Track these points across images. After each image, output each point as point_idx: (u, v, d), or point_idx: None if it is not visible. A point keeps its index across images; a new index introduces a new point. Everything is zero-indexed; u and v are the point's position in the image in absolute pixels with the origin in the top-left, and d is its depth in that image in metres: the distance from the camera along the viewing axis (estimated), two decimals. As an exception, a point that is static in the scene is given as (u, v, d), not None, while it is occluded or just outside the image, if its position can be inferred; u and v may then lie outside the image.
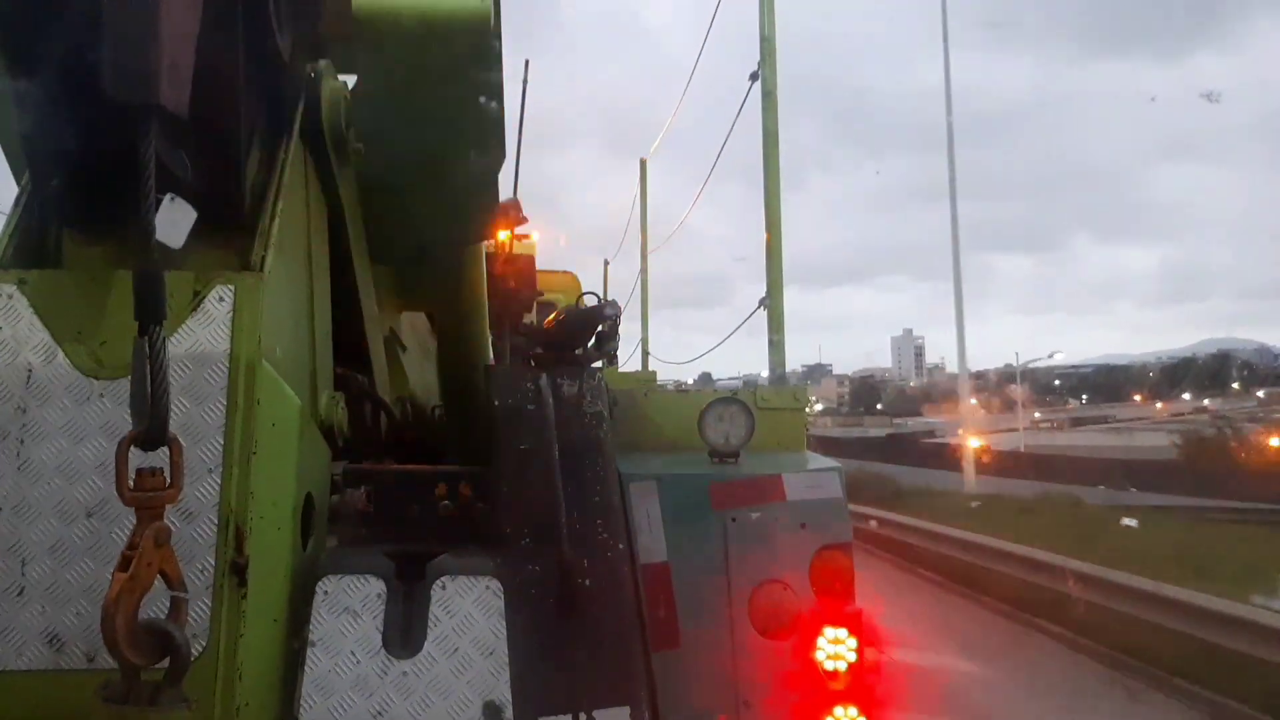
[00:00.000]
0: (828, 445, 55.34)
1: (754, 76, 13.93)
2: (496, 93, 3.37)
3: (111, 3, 1.97)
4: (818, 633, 2.86)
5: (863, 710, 2.84)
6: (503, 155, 3.67)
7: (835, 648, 2.86)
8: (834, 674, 2.84)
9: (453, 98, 3.25)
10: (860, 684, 2.87)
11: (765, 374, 14.35)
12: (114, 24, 1.97)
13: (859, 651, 2.88)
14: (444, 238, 3.88)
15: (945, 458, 42.26)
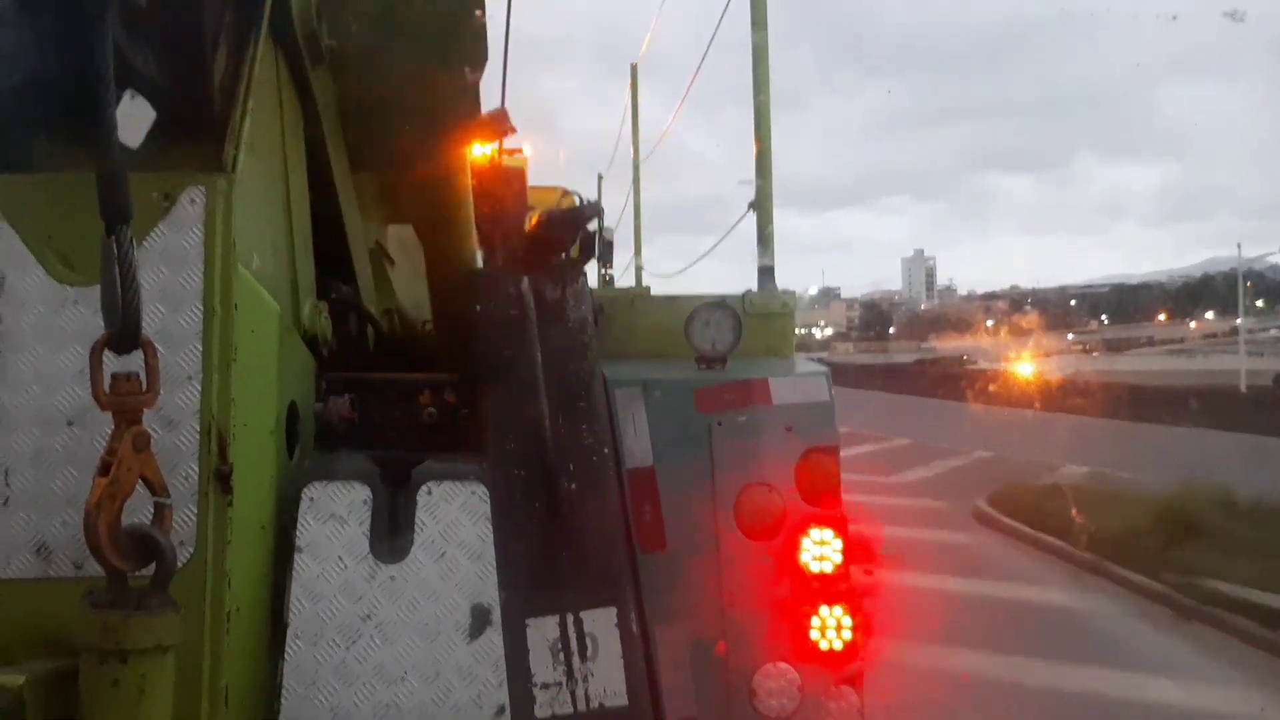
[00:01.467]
0: (852, 374, 51.65)
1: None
2: (474, 5, 3.27)
3: None
4: (803, 534, 2.88)
5: (849, 610, 2.88)
6: (483, 64, 3.58)
7: (821, 549, 2.88)
8: (819, 574, 2.87)
9: (427, 8, 3.16)
10: (846, 585, 2.90)
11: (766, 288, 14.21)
12: None
13: (844, 553, 2.90)
14: (424, 146, 3.81)
15: (998, 390, 36.58)
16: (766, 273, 12.90)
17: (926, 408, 35.57)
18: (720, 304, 3.15)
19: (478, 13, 3.33)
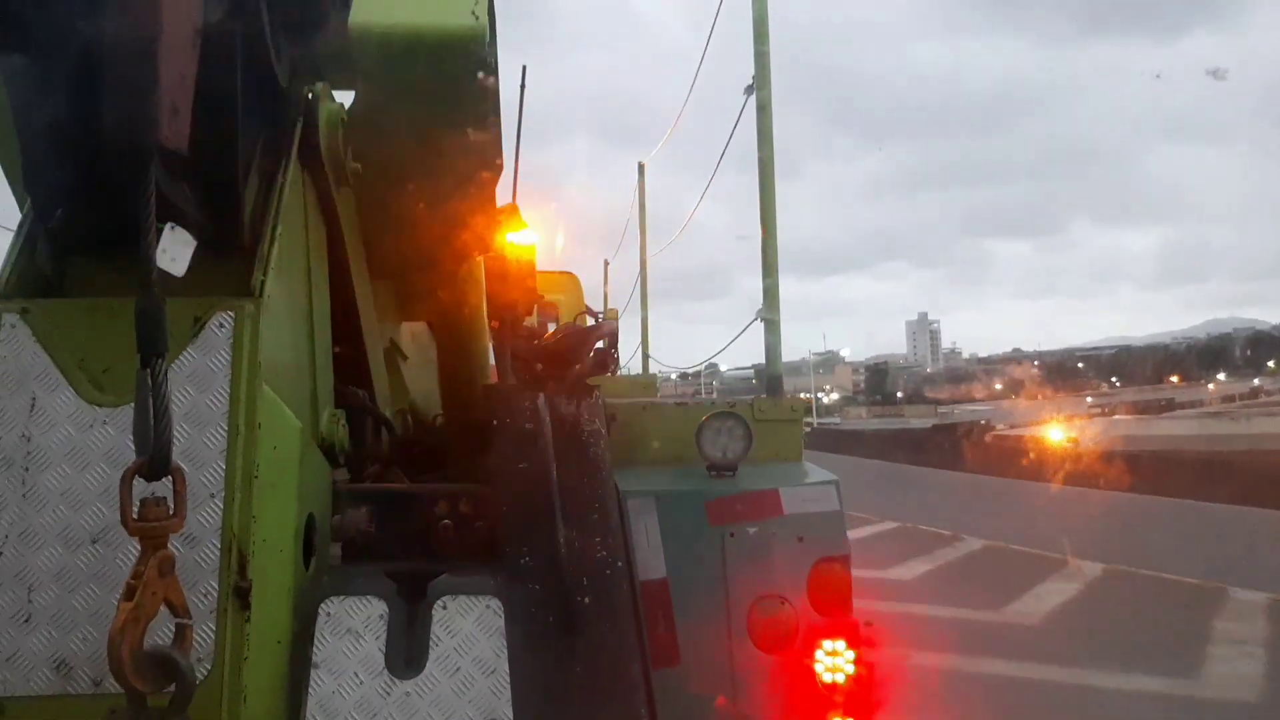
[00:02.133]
0: (870, 443, 48.04)
1: (749, 90, 13.98)
2: (492, 109, 3.38)
3: (113, 49, 1.98)
4: (816, 645, 2.89)
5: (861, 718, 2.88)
6: (500, 170, 3.69)
7: (833, 659, 2.89)
8: (832, 685, 2.87)
9: (449, 117, 3.27)
10: (858, 695, 2.90)
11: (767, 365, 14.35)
12: (115, 70, 1.99)
13: (857, 663, 2.91)
14: (442, 250, 3.90)
15: (1037, 461, 31.75)
16: (772, 326, 13.22)
17: (979, 489, 28.51)
18: (730, 413, 3.20)
19: (493, 119, 3.44)
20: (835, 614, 2.93)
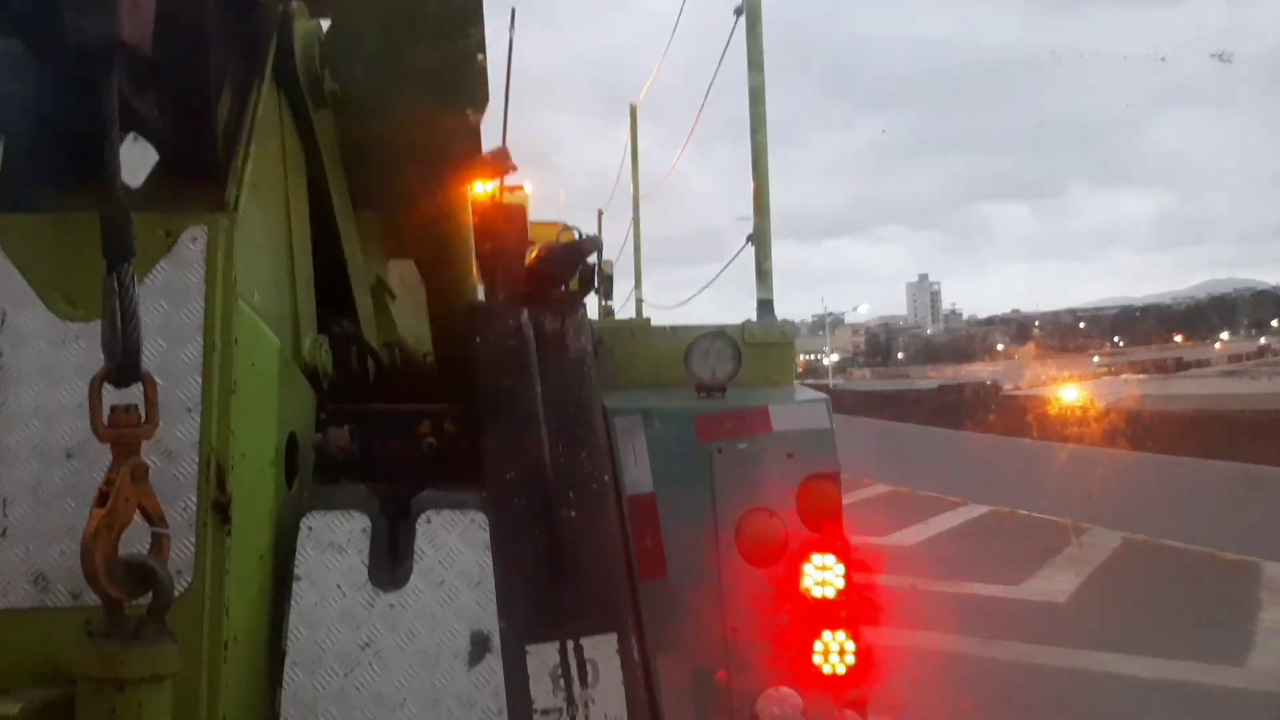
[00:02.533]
0: (876, 404, 47.06)
1: (738, 11, 13.74)
2: (476, 44, 3.32)
3: None
4: (805, 560, 2.87)
5: (851, 635, 2.86)
6: (484, 104, 3.63)
7: (823, 574, 2.87)
8: (822, 600, 2.86)
9: (430, 47, 3.21)
10: (849, 610, 2.89)
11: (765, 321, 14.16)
12: None
13: (847, 578, 2.89)
14: (426, 184, 3.85)
15: (1056, 422, 29.68)
16: (765, 306, 12.93)
17: (993, 448, 27.57)
18: (719, 334, 3.17)
19: (479, 56, 3.39)
20: (825, 529, 2.91)
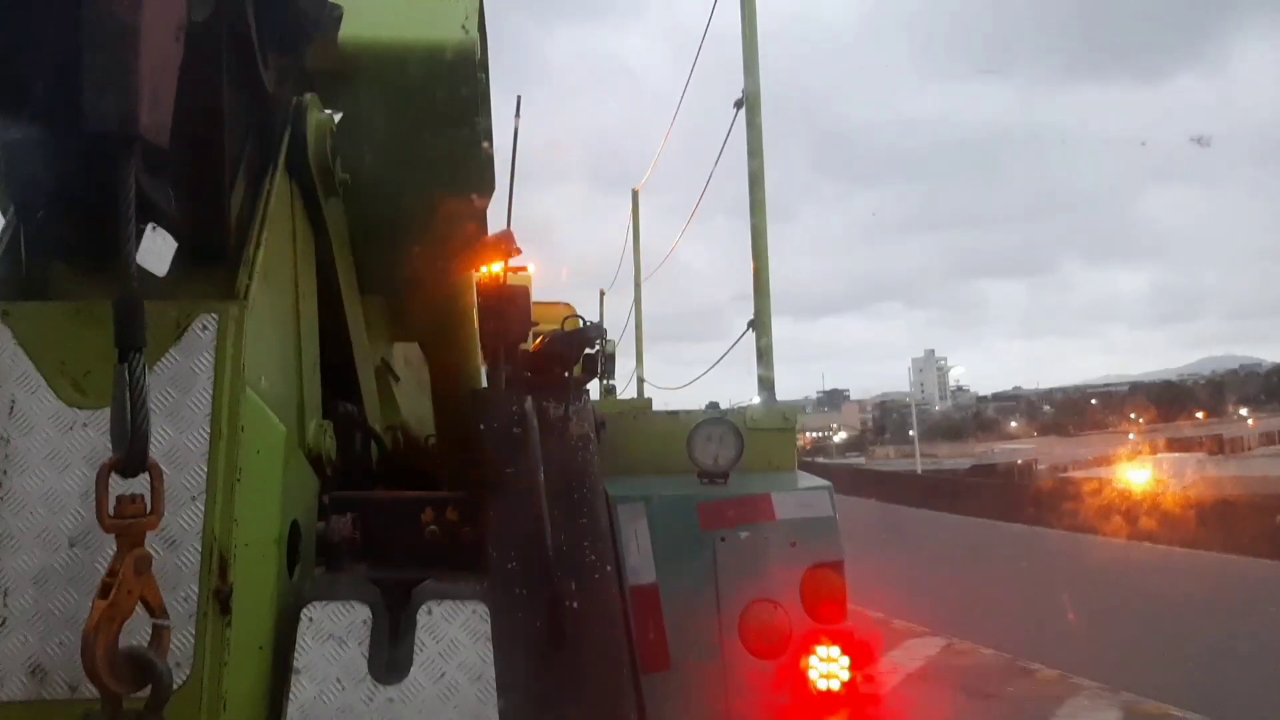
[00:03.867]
0: (917, 490, 39.47)
1: (738, 104, 14.01)
2: (483, 131, 3.40)
3: (90, 34, 1.99)
4: (809, 651, 2.84)
5: None
6: (491, 190, 3.71)
7: (828, 666, 2.84)
8: (826, 692, 2.82)
9: (439, 133, 3.29)
10: (853, 702, 2.84)
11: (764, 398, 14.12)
12: (92, 55, 1.99)
13: (851, 670, 2.86)
14: (432, 269, 3.90)
15: (1145, 515, 23.68)
16: (765, 384, 12.97)
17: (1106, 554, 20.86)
18: (721, 420, 3.18)
19: (485, 144, 3.47)
20: (829, 619, 2.88)
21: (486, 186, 3.64)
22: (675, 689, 2.78)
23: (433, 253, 3.79)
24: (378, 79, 3.27)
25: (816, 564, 2.92)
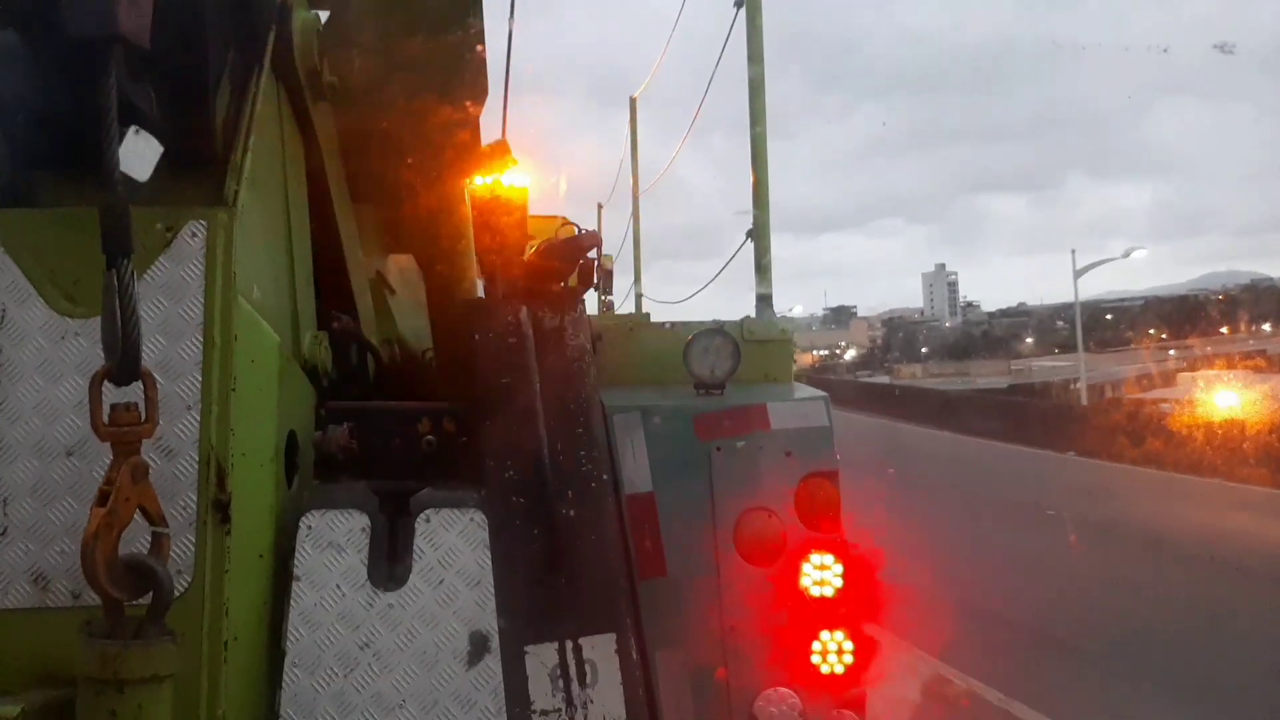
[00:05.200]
0: (968, 412, 34.46)
1: (738, 3, 13.73)
2: (476, 35, 3.31)
3: None
4: (804, 558, 2.88)
5: (850, 635, 2.87)
6: (484, 96, 3.62)
7: (821, 573, 2.88)
8: (820, 599, 2.86)
9: (429, 38, 3.20)
10: (848, 609, 2.89)
11: (775, 313, 14.12)
12: None
13: (846, 577, 2.90)
14: (424, 179, 3.84)
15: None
16: (764, 300, 12.93)
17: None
18: (718, 331, 3.16)
19: (479, 47, 3.38)
20: (823, 528, 2.91)
21: (479, 92, 3.56)
22: (671, 595, 2.82)
23: (426, 160, 3.72)
24: None
25: (811, 473, 2.94)
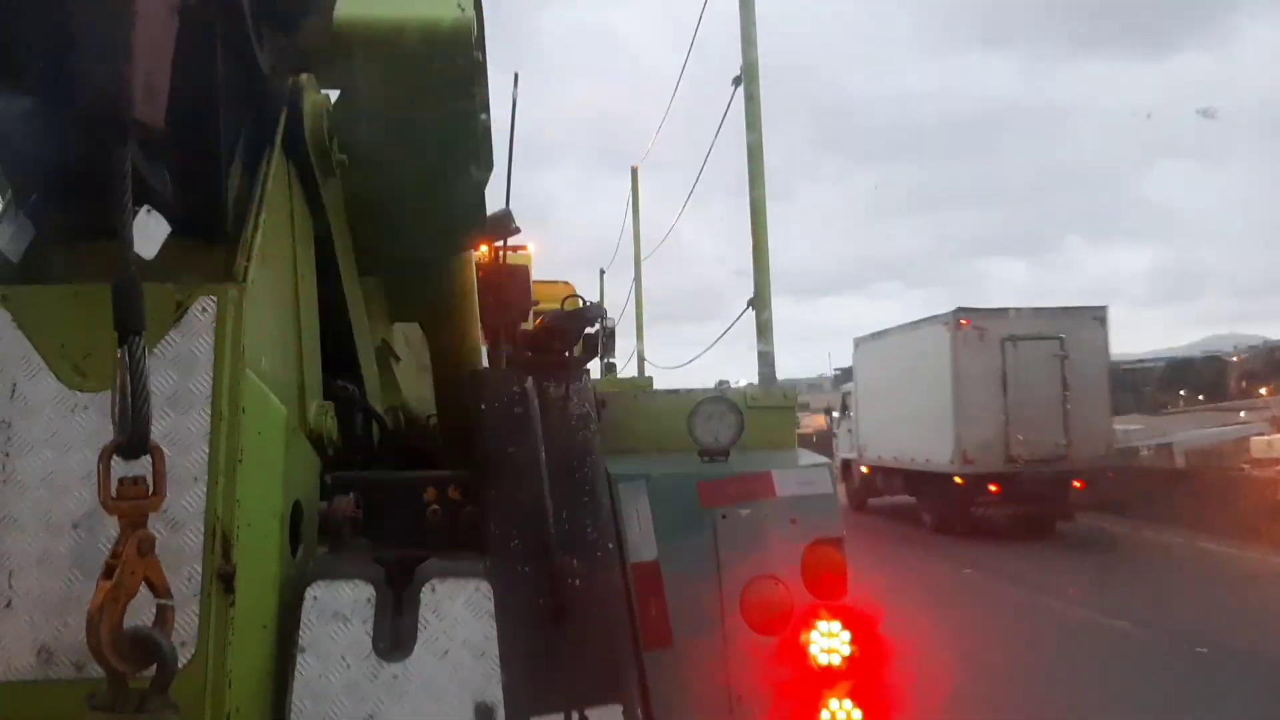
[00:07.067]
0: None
1: (736, 81, 14.02)
2: (481, 106, 3.39)
3: (83, 17, 1.98)
4: (810, 627, 2.86)
5: (858, 703, 2.84)
6: (489, 167, 3.70)
7: (829, 641, 2.86)
8: (828, 668, 2.84)
9: (436, 111, 3.28)
10: (856, 677, 2.87)
11: (779, 378, 14.13)
12: (86, 38, 1.99)
13: (853, 645, 2.88)
14: (431, 249, 3.90)
15: None
16: (766, 359, 13.00)
17: None
18: (722, 398, 3.19)
19: (483, 116, 3.46)
20: (830, 596, 2.90)
21: (485, 161, 3.63)
22: (677, 665, 2.80)
23: (432, 231, 3.78)
24: (374, 55, 3.26)
25: (817, 540, 2.94)
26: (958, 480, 19.87)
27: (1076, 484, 19.99)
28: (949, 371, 19.99)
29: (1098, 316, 20.75)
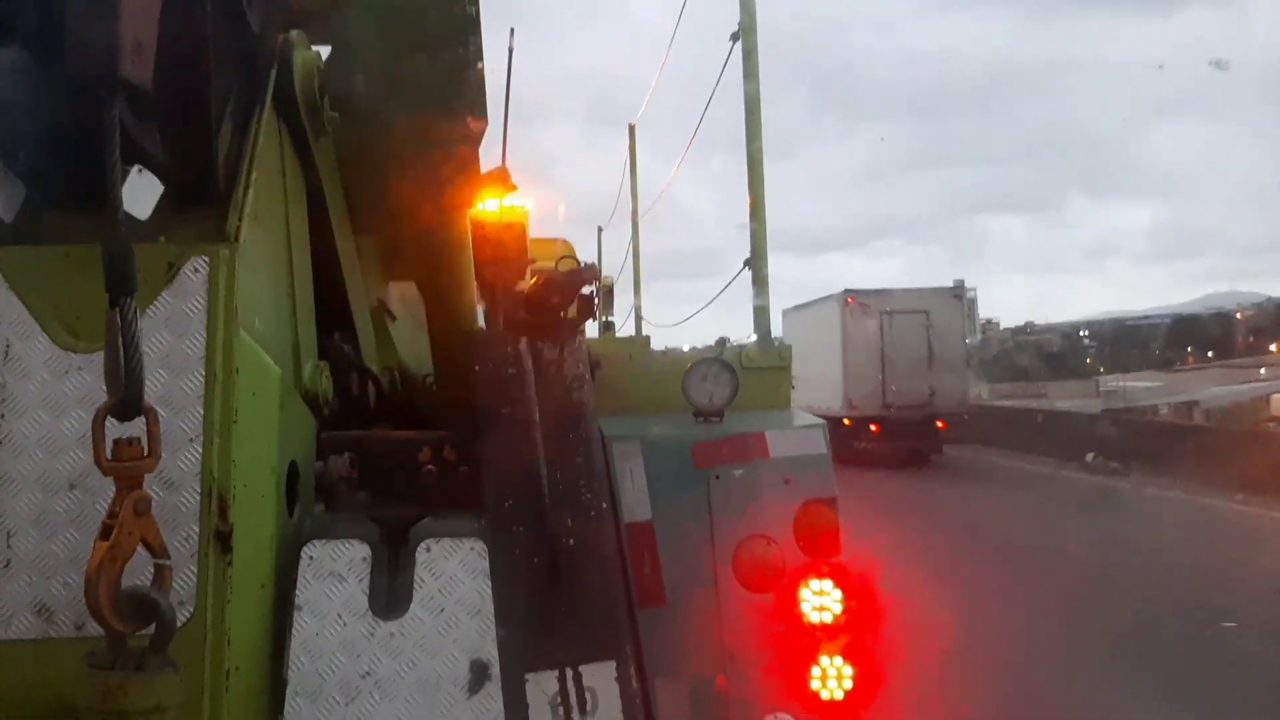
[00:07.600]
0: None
1: (734, 37, 13.84)
2: (475, 55, 3.35)
3: None
4: (803, 584, 2.89)
5: (849, 660, 2.88)
6: (483, 123, 3.66)
7: (820, 599, 2.89)
8: (819, 625, 2.87)
9: (430, 62, 3.24)
10: (848, 634, 2.90)
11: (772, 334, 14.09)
12: (75, 1, 1.97)
13: (845, 603, 2.91)
14: (425, 206, 3.87)
15: None
16: (762, 313, 12.99)
17: None
18: (717, 359, 3.19)
19: (478, 65, 3.42)
20: (822, 555, 2.93)
21: (479, 112, 3.59)
22: (671, 623, 2.83)
23: (426, 185, 3.75)
24: (367, 5, 3.23)
25: (810, 500, 2.96)
26: (846, 422, 25.61)
27: (940, 424, 27.35)
28: (839, 338, 26.97)
29: (957, 295, 28.56)
